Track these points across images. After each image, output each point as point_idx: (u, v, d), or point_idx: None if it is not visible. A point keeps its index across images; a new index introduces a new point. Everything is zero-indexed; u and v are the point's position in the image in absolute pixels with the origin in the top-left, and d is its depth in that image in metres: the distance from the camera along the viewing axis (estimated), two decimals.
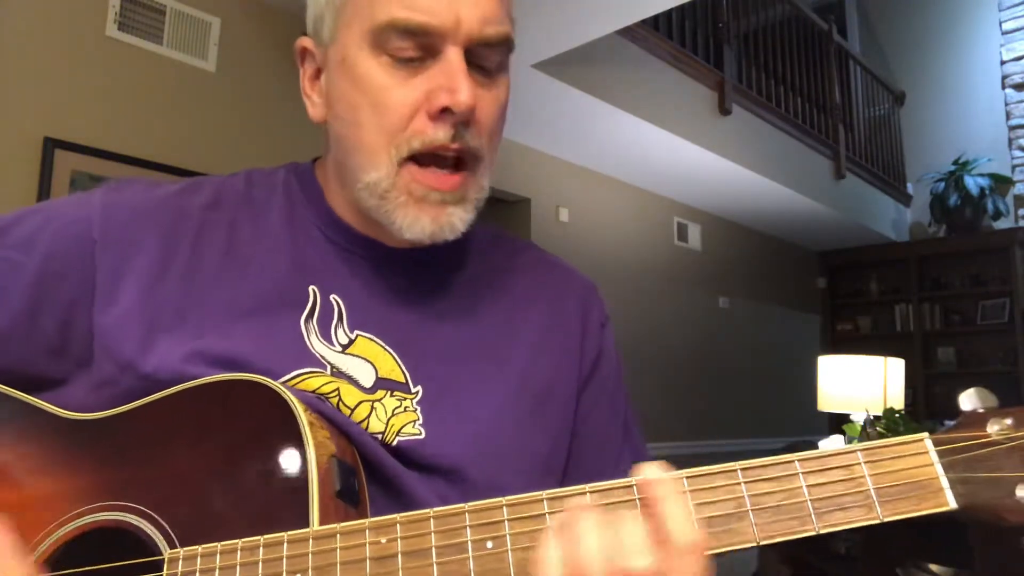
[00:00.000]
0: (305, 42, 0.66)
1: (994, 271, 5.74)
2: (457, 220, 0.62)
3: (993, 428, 0.45)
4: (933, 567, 2.88)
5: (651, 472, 0.45)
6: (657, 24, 3.79)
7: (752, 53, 4.71)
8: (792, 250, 6.36)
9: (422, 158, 0.60)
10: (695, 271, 5.24)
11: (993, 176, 5.76)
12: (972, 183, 5.70)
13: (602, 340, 0.74)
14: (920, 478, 0.45)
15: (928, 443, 0.45)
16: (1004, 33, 6.04)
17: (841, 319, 6.66)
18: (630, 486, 0.46)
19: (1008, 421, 0.45)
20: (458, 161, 0.61)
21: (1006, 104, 5.96)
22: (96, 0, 2.43)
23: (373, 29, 0.58)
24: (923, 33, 6.51)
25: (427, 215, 0.60)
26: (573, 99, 3.47)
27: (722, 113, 4.24)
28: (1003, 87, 5.98)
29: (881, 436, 2.41)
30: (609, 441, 0.73)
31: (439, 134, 0.59)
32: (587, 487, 0.46)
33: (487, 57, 0.61)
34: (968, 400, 0.47)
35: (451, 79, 0.58)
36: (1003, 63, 6.00)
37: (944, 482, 0.44)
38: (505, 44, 0.61)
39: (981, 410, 0.47)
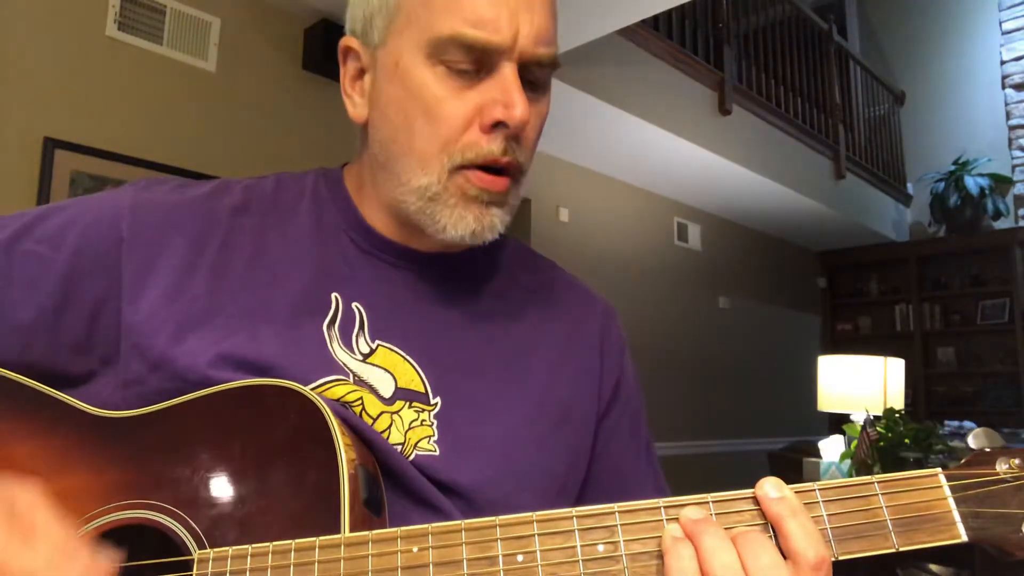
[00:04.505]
0: (351, 42, 0.66)
1: (994, 271, 5.73)
2: (498, 221, 0.63)
3: (1002, 467, 0.48)
4: (933, 567, 2.88)
5: (771, 488, 0.47)
6: (657, 24, 3.79)
7: (752, 53, 4.71)
8: (792, 250, 6.36)
9: (471, 167, 0.62)
10: (695, 271, 5.23)
11: (993, 176, 5.76)
12: (972, 183, 5.70)
13: (622, 364, 0.75)
14: (934, 511, 0.47)
15: (942, 477, 0.48)
16: (1004, 33, 6.04)
17: (841, 319, 6.66)
18: (750, 497, 0.48)
19: (1016, 461, 0.48)
20: (504, 172, 0.63)
21: (1006, 104, 5.96)
22: (96, 0, 2.43)
23: (433, 40, 0.59)
24: (923, 33, 6.51)
25: (472, 213, 0.62)
26: (573, 99, 3.47)
27: (722, 113, 4.24)
28: (1003, 87, 5.98)
29: (881, 436, 2.41)
30: (631, 466, 0.73)
31: (492, 147, 0.60)
32: (708, 496, 0.48)
33: (536, 75, 0.62)
34: (976, 440, 0.51)
35: (507, 94, 0.59)
36: (1003, 63, 6.00)
37: (956, 516, 0.47)
38: (553, 64, 0.63)
39: (989, 449, 0.50)
